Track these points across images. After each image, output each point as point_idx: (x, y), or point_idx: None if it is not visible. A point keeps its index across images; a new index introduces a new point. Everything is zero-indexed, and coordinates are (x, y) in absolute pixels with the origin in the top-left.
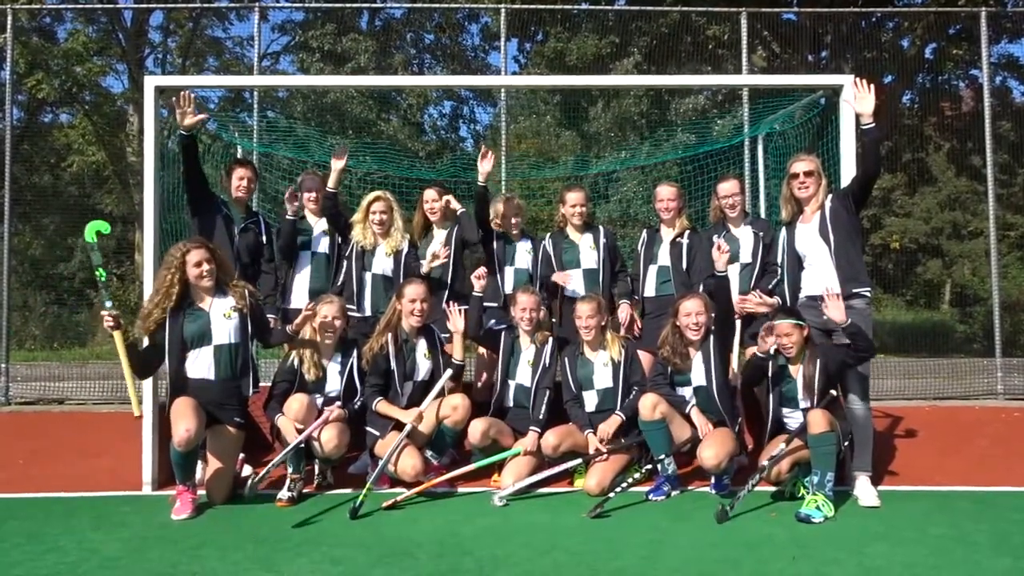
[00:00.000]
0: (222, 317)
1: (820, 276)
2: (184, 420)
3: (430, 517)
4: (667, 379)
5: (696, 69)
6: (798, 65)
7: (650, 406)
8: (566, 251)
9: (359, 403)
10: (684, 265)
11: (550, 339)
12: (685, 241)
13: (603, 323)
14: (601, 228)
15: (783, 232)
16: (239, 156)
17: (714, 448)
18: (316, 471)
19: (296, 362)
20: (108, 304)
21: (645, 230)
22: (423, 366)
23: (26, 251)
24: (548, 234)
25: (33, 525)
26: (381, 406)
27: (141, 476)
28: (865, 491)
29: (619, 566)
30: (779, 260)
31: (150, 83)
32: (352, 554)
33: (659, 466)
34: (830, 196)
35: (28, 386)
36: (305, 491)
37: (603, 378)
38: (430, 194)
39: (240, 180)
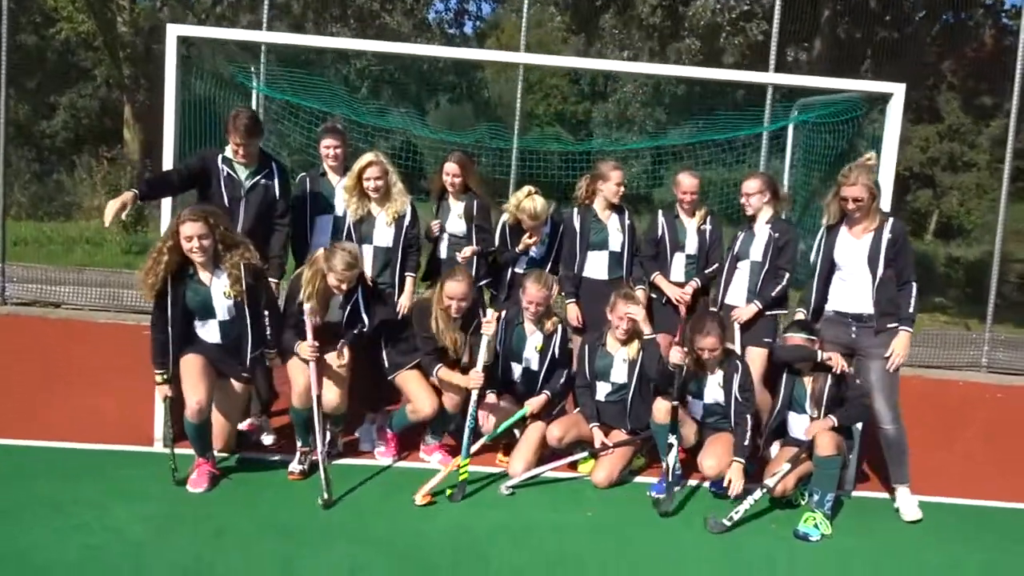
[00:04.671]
0: (222, 295)
1: (856, 297)
2: (195, 392)
3: (443, 507)
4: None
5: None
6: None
7: (664, 410)
8: (595, 232)
9: (358, 332)
10: (708, 251)
11: (559, 328)
12: (708, 227)
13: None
14: (625, 209)
15: (822, 234)
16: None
17: (715, 459)
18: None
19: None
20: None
21: (663, 214)
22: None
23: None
24: (575, 208)
25: (52, 488)
26: (443, 372)
27: (150, 424)
28: (907, 504)
29: None
30: (813, 261)
31: (172, 32)
32: (369, 558)
33: (664, 464)
34: (890, 223)
35: (25, 288)
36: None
37: (620, 373)
38: (451, 167)
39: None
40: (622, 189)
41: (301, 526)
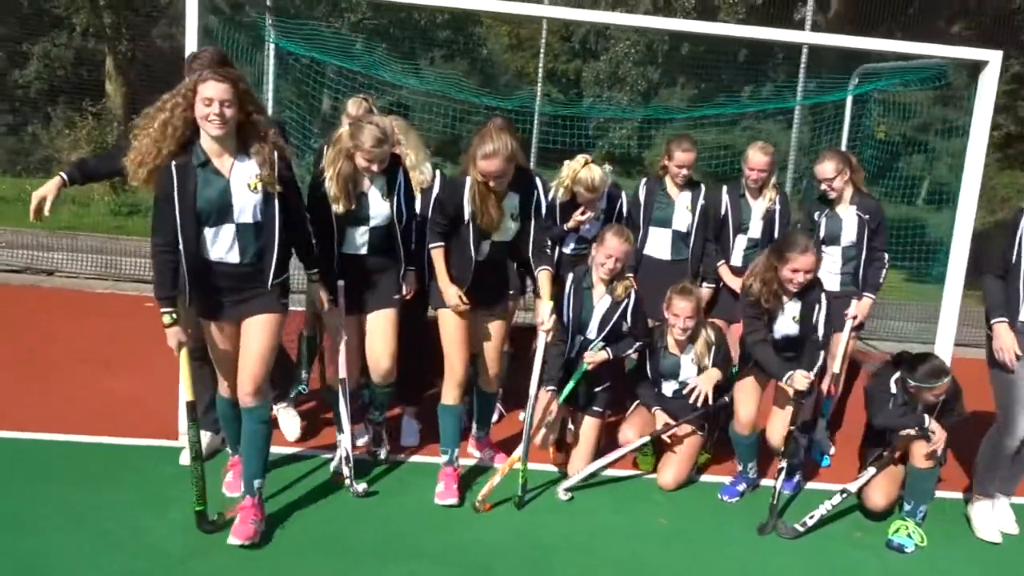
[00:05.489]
0: (245, 188)
1: None
2: (229, 376)
3: (506, 513)
4: (763, 326)
5: None
6: None
7: (748, 423)
8: (659, 207)
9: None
10: (776, 234)
11: (632, 292)
12: (776, 208)
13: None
14: (702, 187)
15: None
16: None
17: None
18: (362, 435)
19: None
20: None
21: (727, 191)
22: None
23: None
24: (644, 179)
25: (69, 491)
26: (436, 253)
27: (172, 413)
28: (982, 521)
29: None
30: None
31: None
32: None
33: (740, 468)
34: None
35: (15, 254)
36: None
37: (688, 371)
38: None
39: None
40: (683, 171)
41: (354, 539)
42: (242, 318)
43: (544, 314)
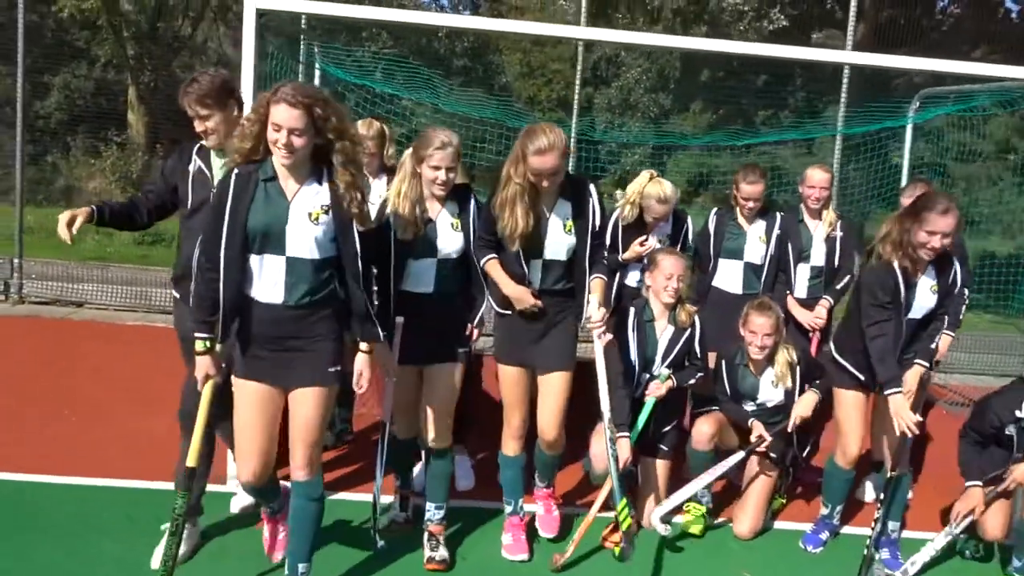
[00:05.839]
0: (306, 216)
1: None
2: (250, 454)
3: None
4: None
5: None
6: None
7: (854, 455)
8: (730, 238)
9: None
10: (836, 262)
11: (696, 320)
12: (838, 234)
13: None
14: (778, 216)
15: None
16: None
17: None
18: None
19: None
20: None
21: (781, 216)
22: None
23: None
24: (714, 209)
25: (124, 547)
26: (491, 265)
27: (219, 455)
28: None
29: None
30: None
31: (250, 5)
32: None
33: (825, 511)
34: None
35: (44, 285)
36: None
37: (769, 392)
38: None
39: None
40: (750, 203)
41: None
42: (284, 385)
43: (594, 309)
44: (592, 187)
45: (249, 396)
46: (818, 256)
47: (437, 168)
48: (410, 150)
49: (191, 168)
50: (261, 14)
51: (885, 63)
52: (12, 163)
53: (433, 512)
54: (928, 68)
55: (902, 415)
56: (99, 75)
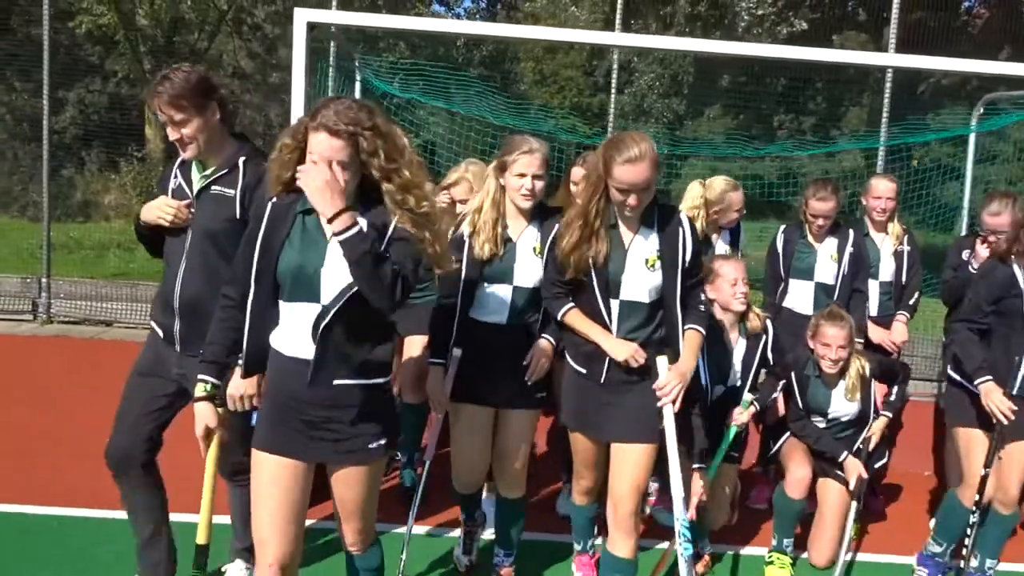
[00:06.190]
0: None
1: None
2: (272, 541)
3: None
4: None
5: None
6: None
7: (974, 485)
8: (800, 257)
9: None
10: (905, 277)
11: (769, 324)
12: (906, 248)
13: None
14: (851, 233)
15: None
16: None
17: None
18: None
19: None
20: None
21: (852, 231)
22: None
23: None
24: (783, 226)
25: None
26: (572, 316)
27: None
28: None
29: None
30: None
31: (301, 17)
32: None
33: (937, 548)
34: None
35: (72, 304)
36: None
37: (841, 406)
38: (579, 172)
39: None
40: (819, 221)
41: None
42: (319, 460)
43: (664, 373)
44: (684, 215)
45: (269, 471)
46: (887, 271)
47: (523, 175)
48: (492, 163)
49: (171, 187)
50: (312, 27)
51: (933, 65)
52: (30, 178)
53: (503, 558)
54: (976, 71)
55: (993, 400)
56: (112, 90)
